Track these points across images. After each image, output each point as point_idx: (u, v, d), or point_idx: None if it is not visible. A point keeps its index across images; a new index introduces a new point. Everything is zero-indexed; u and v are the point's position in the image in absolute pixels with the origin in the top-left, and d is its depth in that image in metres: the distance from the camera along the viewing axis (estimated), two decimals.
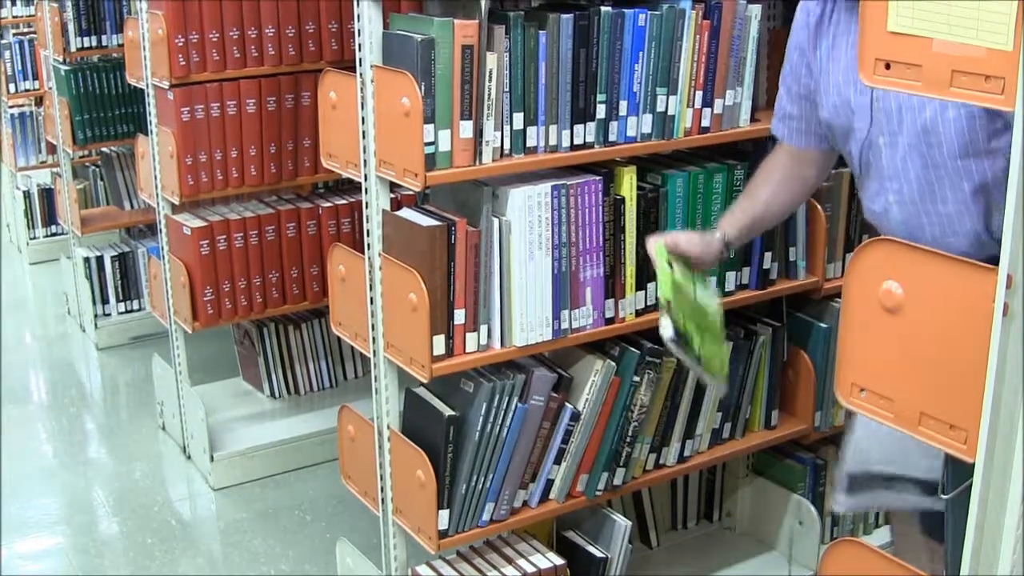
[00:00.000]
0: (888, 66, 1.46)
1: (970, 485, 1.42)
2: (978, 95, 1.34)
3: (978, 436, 1.39)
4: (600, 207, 2.96)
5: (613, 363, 3.07)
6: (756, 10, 3.12)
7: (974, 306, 1.38)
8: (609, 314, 3.07)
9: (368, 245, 2.99)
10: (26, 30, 7.47)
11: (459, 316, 2.86)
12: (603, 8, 2.91)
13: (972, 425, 1.41)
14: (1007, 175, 1.41)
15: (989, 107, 1.42)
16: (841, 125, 2.58)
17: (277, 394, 4.86)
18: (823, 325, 3.52)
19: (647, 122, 3.03)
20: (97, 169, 6.45)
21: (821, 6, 2.61)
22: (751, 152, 3.27)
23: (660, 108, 3.04)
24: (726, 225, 2.84)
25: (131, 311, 6.02)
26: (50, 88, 5.95)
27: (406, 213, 2.92)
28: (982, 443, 1.39)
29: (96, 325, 5.91)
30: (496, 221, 2.84)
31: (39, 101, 7.05)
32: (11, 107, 7.14)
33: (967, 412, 1.41)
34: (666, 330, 2.73)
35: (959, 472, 2.00)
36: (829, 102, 2.59)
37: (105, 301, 5.97)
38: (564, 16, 2.84)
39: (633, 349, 3.09)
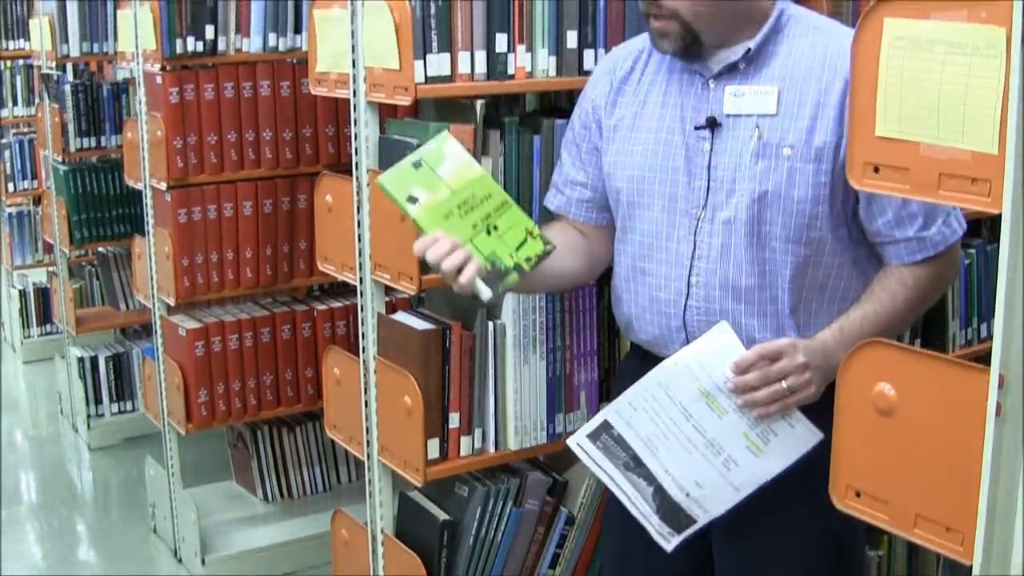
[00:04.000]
0: (877, 169, 1.48)
1: None
2: (966, 197, 1.36)
3: (975, 538, 1.39)
4: (594, 311, 2.97)
5: None
6: None
7: (968, 406, 1.39)
8: None
9: (363, 348, 2.99)
10: (26, 130, 7.53)
11: (453, 419, 2.85)
12: None
13: (968, 527, 1.40)
14: None
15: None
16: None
17: (270, 497, 4.82)
18: None
19: None
20: (93, 269, 6.47)
21: (632, 62, 2.43)
22: None
23: None
24: None
25: (124, 412, 5.99)
26: (48, 188, 5.98)
27: (401, 316, 2.93)
28: (979, 545, 1.38)
29: (89, 425, 5.88)
30: (491, 325, 2.84)
31: (37, 200, 7.08)
32: (9, 206, 7.17)
33: (963, 514, 1.41)
34: (486, 288, 2.24)
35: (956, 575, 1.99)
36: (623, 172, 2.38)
37: (99, 401, 5.94)
38: (559, 121, 2.87)
39: None
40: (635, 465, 2.22)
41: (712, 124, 2.23)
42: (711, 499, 2.19)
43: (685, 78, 2.31)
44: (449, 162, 2.31)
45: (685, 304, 2.28)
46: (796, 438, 2.13)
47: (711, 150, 2.24)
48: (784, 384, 2.10)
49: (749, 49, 2.21)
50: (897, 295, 2.20)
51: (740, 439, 2.15)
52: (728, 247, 2.23)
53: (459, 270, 2.20)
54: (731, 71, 2.24)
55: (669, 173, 2.29)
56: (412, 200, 2.26)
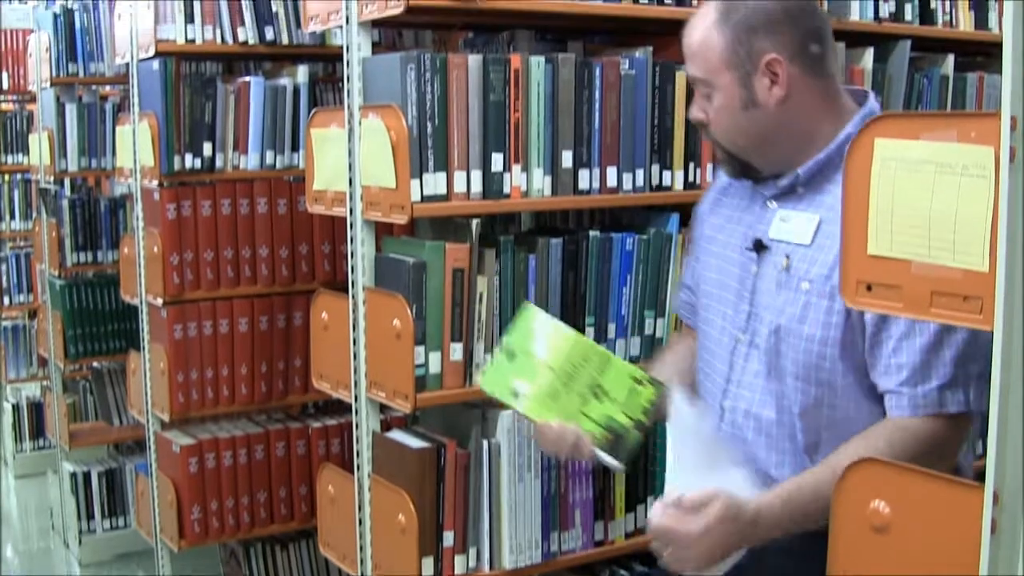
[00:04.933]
0: (869, 288, 1.49)
1: None
2: (957, 315, 1.37)
3: None
4: None
5: None
6: None
7: (963, 523, 1.38)
8: (599, 536, 3.05)
9: (357, 466, 2.98)
10: (22, 244, 7.56)
11: (448, 538, 2.84)
12: (591, 232, 2.97)
13: None
14: None
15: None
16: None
17: None
18: None
19: (635, 344, 3.06)
20: (87, 384, 6.45)
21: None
22: None
23: (648, 331, 3.07)
24: None
25: (117, 528, 5.92)
26: (44, 302, 5.98)
27: (396, 435, 2.92)
28: None
29: (80, 541, 5.82)
30: (485, 443, 2.84)
31: (32, 314, 7.10)
32: (4, 319, 7.17)
33: None
34: (612, 460, 2.22)
35: None
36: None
37: (91, 517, 5.88)
38: (553, 240, 2.90)
39: (623, 572, 3.06)
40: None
41: (758, 247, 2.17)
42: None
43: (758, 197, 2.25)
44: (540, 336, 2.28)
45: (719, 426, 2.23)
46: None
47: (756, 273, 2.18)
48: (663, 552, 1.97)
49: (798, 175, 2.14)
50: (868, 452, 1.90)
51: None
52: (757, 375, 2.17)
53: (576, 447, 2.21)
54: (790, 193, 2.17)
55: (725, 291, 2.25)
56: (515, 395, 2.26)
